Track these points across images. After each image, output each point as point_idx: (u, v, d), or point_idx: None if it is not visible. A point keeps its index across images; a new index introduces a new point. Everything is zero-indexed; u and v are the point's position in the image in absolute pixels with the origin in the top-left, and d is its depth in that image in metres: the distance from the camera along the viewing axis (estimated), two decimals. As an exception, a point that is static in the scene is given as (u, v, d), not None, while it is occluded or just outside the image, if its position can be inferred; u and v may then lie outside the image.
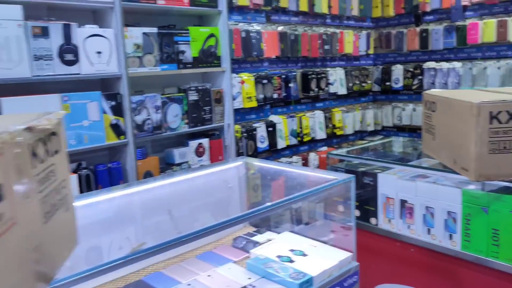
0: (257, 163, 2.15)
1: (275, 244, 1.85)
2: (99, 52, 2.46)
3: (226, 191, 2.18)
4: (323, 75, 4.40)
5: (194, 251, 1.90)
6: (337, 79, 4.58)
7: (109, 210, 1.76)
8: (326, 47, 4.40)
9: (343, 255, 1.69)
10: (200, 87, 3.06)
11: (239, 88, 3.51)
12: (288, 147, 4.07)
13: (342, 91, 4.66)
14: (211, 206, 2.10)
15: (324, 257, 1.68)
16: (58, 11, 2.46)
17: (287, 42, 3.97)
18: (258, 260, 1.69)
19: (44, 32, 2.24)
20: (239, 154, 3.43)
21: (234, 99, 3.34)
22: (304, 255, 1.72)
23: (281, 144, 3.93)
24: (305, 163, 4.22)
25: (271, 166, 2.11)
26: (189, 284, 1.59)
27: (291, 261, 1.67)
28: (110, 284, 1.61)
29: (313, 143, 4.40)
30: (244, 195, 2.20)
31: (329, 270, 1.60)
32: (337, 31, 4.54)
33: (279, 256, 1.71)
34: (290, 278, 1.53)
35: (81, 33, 2.39)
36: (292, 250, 1.77)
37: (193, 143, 3.04)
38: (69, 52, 2.34)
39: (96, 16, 2.66)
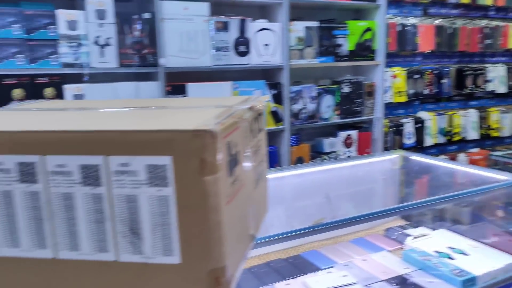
0: (415, 157, 2.15)
1: (432, 239, 1.84)
2: (266, 45, 2.69)
3: (380, 182, 2.22)
4: (481, 71, 4.10)
5: (347, 235, 1.98)
6: (497, 76, 4.22)
7: (277, 188, 1.94)
8: (487, 41, 4.09)
9: (510, 259, 1.63)
10: (353, 80, 3.13)
11: (390, 82, 3.48)
12: (436, 145, 3.91)
13: (502, 89, 4.29)
14: (365, 195, 2.17)
15: (487, 258, 1.64)
16: (233, 7, 2.75)
17: (443, 36, 3.80)
18: (415, 251, 1.70)
19: (225, 27, 2.53)
20: (385, 148, 3.42)
21: (384, 93, 3.34)
22: (465, 254, 1.69)
23: (428, 141, 3.80)
24: (452, 164, 4.00)
25: (430, 161, 2.09)
26: (346, 265, 1.68)
27: (451, 258, 1.65)
28: (272, 254, 1.77)
29: (463, 144, 4.15)
30: (399, 187, 2.22)
31: (494, 272, 1.56)
32: (501, 24, 4.17)
33: (437, 252, 1.70)
34: (451, 274, 1.52)
35: (253, 27, 2.65)
36: (451, 248, 1.74)
37: (342, 134, 3.13)
38: (242, 44, 2.61)
39: (265, 11, 2.90)
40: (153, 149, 0.61)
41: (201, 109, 0.79)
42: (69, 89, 2.19)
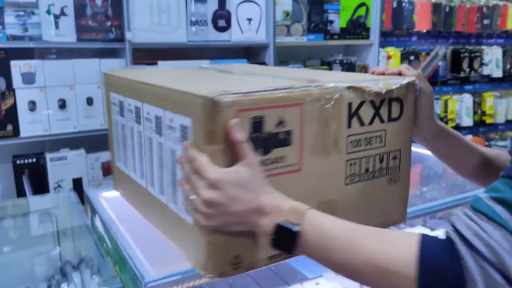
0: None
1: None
2: (249, 19, 2.40)
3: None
4: (477, 53, 3.86)
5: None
6: (492, 59, 4.00)
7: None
8: (485, 21, 3.85)
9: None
10: (345, 61, 2.87)
11: (384, 64, 3.23)
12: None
13: (497, 73, 4.07)
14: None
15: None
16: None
17: (441, 15, 3.54)
18: None
19: (202, -3, 2.23)
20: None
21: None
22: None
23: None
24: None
25: (418, 151, 1.84)
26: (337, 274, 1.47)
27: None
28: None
29: (457, 131, 3.94)
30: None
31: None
32: (500, 3, 3.93)
33: None
34: None
35: (234, -1, 2.35)
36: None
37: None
38: (222, 18, 2.32)
39: (248, -18, 2.59)
40: (182, 109, 0.70)
41: (267, 78, 0.87)
42: (16, 66, 1.88)
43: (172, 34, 2.17)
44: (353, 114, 0.77)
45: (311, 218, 0.63)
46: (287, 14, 2.57)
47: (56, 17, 1.92)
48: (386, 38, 3.33)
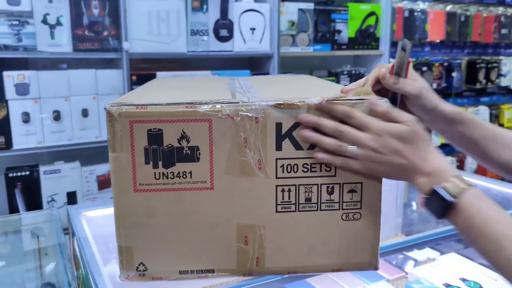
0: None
1: (440, 267, 1.52)
2: (252, 29, 2.33)
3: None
4: (494, 64, 3.72)
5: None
6: (511, 70, 3.85)
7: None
8: (503, 31, 3.71)
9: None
10: (353, 71, 2.77)
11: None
12: (443, 146, 3.54)
13: (516, 85, 3.92)
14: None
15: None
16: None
17: (455, 24, 3.42)
18: (420, 285, 1.39)
19: (202, 6, 2.17)
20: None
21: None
22: (483, 290, 1.36)
23: (434, 141, 3.44)
24: (460, 166, 3.65)
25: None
26: None
27: (465, 295, 1.33)
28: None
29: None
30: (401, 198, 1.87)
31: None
32: (519, 12, 3.79)
33: (447, 286, 1.38)
34: (469, 321, 1.20)
35: (237, 8, 2.28)
36: (463, 280, 1.42)
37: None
38: (224, 27, 2.25)
39: (252, -9, 2.53)
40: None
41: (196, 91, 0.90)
42: (10, 76, 1.84)
43: (171, 44, 2.11)
44: (284, 135, 0.70)
45: (472, 195, 0.63)
46: (293, 23, 2.50)
47: (52, 27, 1.87)
48: (397, 48, 3.22)
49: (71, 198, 1.98)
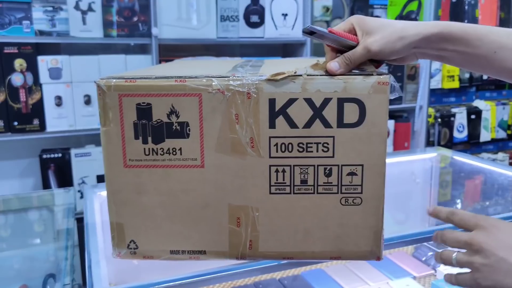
0: (458, 158, 1.68)
1: (473, 267, 1.40)
2: (284, 15, 2.27)
3: (412, 186, 1.78)
4: (555, 54, 3.42)
5: (364, 252, 1.58)
6: None
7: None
8: None
9: None
10: (392, 60, 2.64)
11: (439, 64, 2.95)
12: (493, 140, 3.32)
13: None
14: (392, 200, 1.73)
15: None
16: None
17: (510, 10, 3.18)
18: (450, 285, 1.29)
19: (234, -9, 2.14)
20: (428, 143, 2.91)
21: (431, 77, 2.82)
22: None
23: (484, 136, 3.23)
24: (514, 163, 3.40)
25: (480, 165, 1.61)
26: None
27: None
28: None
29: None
30: (434, 195, 1.76)
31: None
32: None
33: None
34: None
35: (269, -7, 2.23)
36: (498, 282, 1.30)
37: (376, 124, 2.66)
38: (255, 13, 2.21)
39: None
40: None
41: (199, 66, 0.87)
42: (44, 61, 1.90)
43: (201, 30, 2.10)
44: (277, 112, 0.66)
45: None
46: (327, 9, 2.41)
47: (84, 12, 1.92)
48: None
49: (101, 180, 2.03)
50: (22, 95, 1.88)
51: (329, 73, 0.66)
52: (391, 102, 2.63)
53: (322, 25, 2.43)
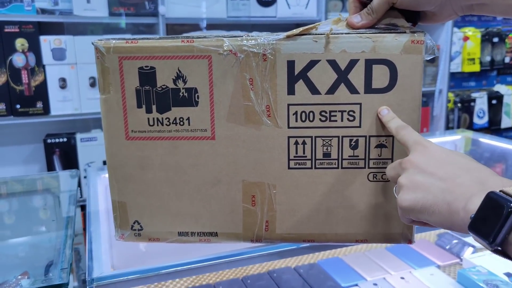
0: (486, 140, 1.58)
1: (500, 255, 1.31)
2: (298, -7, 2.18)
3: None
4: None
5: (384, 240, 1.50)
6: None
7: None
8: None
9: None
10: (410, 41, 2.53)
11: (459, 47, 2.82)
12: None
13: None
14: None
15: None
16: None
17: None
18: (477, 272, 1.21)
19: (243, -33, 2.05)
20: (448, 128, 2.80)
21: (451, 59, 2.70)
22: (556, 283, 1.16)
23: (506, 122, 3.11)
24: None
25: (506, 146, 1.51)
26: (375, 284, 1.23)
27: (533, 288, 1.14)
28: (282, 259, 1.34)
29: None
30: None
31: None
32: None
33: (508, 275, 1.19)
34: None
35: (281, -30, 2.14)
36: (530, 271, 1.22)
37: (393, 108, 2.56)
38: (266, -9, 2.12)
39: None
40: None
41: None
42: (46, 41, 1.83)
43: (210, 9, 2.01)
44: (297, 76, 0.59)
45: None
46: (343, -13, 2.31)
47: (88, -10, 1.84)
48: (463, 17, 2.92)
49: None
50: (24, 76, 1.81)
51: (354, 30, 0.58)
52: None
53: (337, 4, 2.33)
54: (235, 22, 2.11)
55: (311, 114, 0.61)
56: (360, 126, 0.60)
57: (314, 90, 0.59)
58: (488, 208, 0.42)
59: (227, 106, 0.61)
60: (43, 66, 1.85)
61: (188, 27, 2.10)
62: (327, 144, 0.62)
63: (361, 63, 0.58)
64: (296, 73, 0.59)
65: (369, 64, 0.58)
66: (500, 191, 0.42)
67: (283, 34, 0.58)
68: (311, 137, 0.61)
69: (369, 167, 0.62)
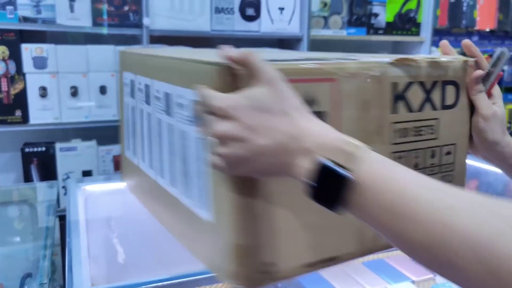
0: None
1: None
2: (281, 9, 2.21)
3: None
4: (552, 58, 3.41)
5: (361, 254, 1.52)
6: None
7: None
8: None
9: None
10: (390, 59, 2.59)
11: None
12: None
13: None
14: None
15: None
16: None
17: (508, 13, 3.15)
18: None
19: (228, -18, 2.07)
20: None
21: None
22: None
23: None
24: None
25: (481, 166, 1.55)
26: None
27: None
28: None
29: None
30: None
31: None
32: None
33: None
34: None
35: (265, -14, 2.16)
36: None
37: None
38: (250, 6, 2.14)
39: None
40: (193, 81, 0.56)
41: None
42: (28, 49, 1.81)
43: (194, 22, 2.02)
44: (398, 96, 0.64)
45: (371, 161, 0.43)
46: (325, 4, 2.35)
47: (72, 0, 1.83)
48: (441, 37, 3.00)
49: (87, 176, 1.94)
50: (4, 84, 1.79)
51: (435, 59, 0.67)
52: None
53: (319, 20, 2.37)
54: (219, 35, 2.13)
55: (406, 130, 0.66)
56: (437, 138, 0.70)
57: (409, 108, 0.66)
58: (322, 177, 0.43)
59: (350, 129, 0.59)
60: (24, 74, 1.83)
61: (172, 39, 2.11)
62: (417, 156, 0.69)
63: (439, 84, 0.68)
64: (398, 93, 0.64)
65: (444, 84, 0.69)
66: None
67: (389, 59, 0.63)
68: (407, 151, 0.67)
69: (440, 172, 0.72)
